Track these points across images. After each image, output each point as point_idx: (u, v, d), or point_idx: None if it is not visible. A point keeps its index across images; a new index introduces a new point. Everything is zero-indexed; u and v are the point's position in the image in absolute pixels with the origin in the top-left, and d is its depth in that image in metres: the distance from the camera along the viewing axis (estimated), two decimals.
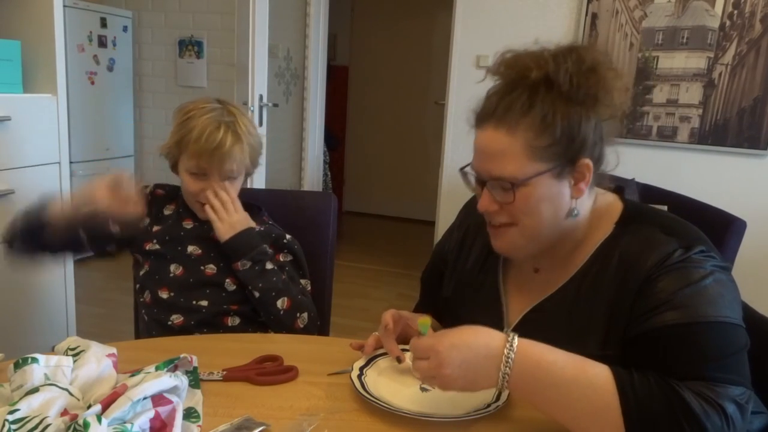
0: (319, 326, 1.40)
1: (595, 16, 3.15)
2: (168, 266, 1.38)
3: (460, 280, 1.12)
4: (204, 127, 1.31)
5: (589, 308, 0.92)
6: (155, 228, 1.41)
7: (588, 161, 0.91)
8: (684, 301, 0.82)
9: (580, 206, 0.94)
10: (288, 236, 1.44)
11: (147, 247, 1.39)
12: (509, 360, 0.80)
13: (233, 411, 0.89)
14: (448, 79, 3.52)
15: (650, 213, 0.97)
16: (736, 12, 2.94)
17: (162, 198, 1.45)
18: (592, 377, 0.79)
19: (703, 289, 0.83)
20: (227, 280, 1.36)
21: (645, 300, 0.85)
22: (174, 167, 1.41)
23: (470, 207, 1.17)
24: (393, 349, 1.02)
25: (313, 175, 4.35)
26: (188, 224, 1.41)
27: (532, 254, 1.00)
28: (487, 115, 0.92)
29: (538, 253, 0.99)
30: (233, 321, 1.36)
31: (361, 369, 0.99)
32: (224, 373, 0.99)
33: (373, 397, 0.90)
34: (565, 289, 0.97)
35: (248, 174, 1.44)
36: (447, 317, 1.12)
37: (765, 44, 2.93)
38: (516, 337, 0.82)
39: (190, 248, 1.39)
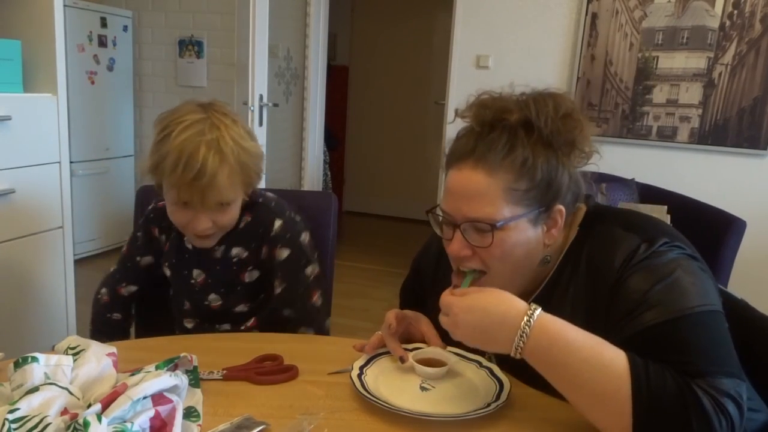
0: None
1: (595, 16, 3.16)
2: (182, 299, 1.35)
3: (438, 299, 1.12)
4: (180, 152, 1.09)
5: (566, 317, 0.91)
6: (167, 245, 1.35)
7: (561, 208, 0.91)
8: (658, 298, 0.82)
9: (552, 249, 0.95)
10: (277, 223, 1.27)
11: (163, 270, 1.36)
12: (524, 333, 0.80)
13: (233, 410, 0.89)
14: (448, 79, 3.53)
15: (610, 212, 0.97)
16: (735, 12, 2.95)
17: (163, 209, 1.28)
18: (607, 360, 0.78)
19: (674, 282, 0.82)
20: (236, 309, 1.32)
21: (619, 303, 0.85)
22: (160, 189, 1.22)
23: None
24: (396, 349, 1.02)
25: (313, 175, 4.35)
26: (189, 243, 1.31)
27: None
28: (464, 155, 0.90)
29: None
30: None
31: (362, 368, 0.99)
32: (224, 372, 0.99)
33: (373, 396, 0.90)
34: (540, 299, 0.96)
35: (251, 189, 1.26)
36: None
37: (765, 44, 2.93)
38: (538, 311, 0.81)
39: (195, 273, 1.31)
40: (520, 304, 0.83)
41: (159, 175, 1.16)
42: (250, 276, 1.32)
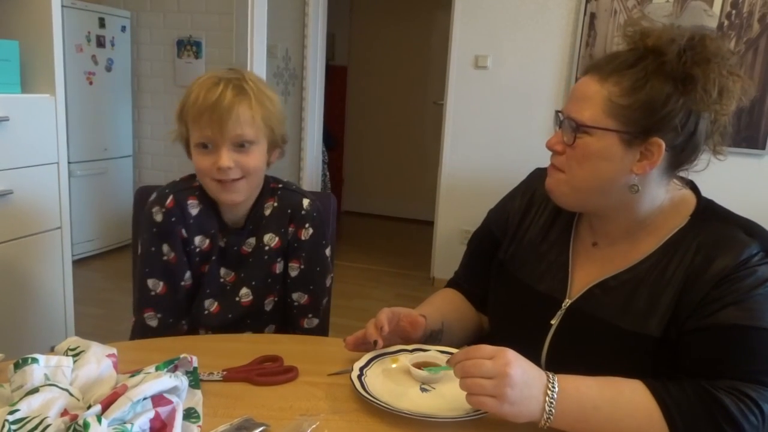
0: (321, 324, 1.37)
1: (593, 16, 3.16)
2: (202, 301, 1.27)
3: (522, 245, 1.12)
4: (200, 88, 1.17)
5: (654, 292, 0.93)
6: (202, 242, 1.26)
7: (661, 141, 0.90)
8: (752, 304, 0.84)
9: (644, 186, 0.94)
10: (305, 203, 1.30)
11: (201, 271, 1.27)
12: (554, 386, 0.82)
13: (233, 411, 0.89)
14: (446, 79, 3.53)
15: (727, 212, 0.99)
16: (734, 12, 2.95)
17: (181, 193, 1.26)
18: (630, 394, 0.83)
19: None
20: (266, 301, 1.29)
21: (718, 295, 0.86)
22: (189, 153, 1.24)
23: (534, 176, 1.18)
24: (372, 334, 1.01)
25: (312, 175, 4.35)
26: (222, 241, 1.27)
27: (575, 207, 1.03)
28: (593, 66, 0.96)
29: (597, 225, 1.02)
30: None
31: (361, 369, 0.99)
32: (224, 373, 0.99)
33: (373, 397, 0.90)
34: (635, 270, 0.97)
35: (275, 145, 1.26)
36: (500, 280, 1.14)
37: (763, 44, 2.94)
38: (553, 374, 0.84)
39: (223, 272, 1.28)
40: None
41: (183, 119, 1.20)
42: (279, 267, 1.30)
